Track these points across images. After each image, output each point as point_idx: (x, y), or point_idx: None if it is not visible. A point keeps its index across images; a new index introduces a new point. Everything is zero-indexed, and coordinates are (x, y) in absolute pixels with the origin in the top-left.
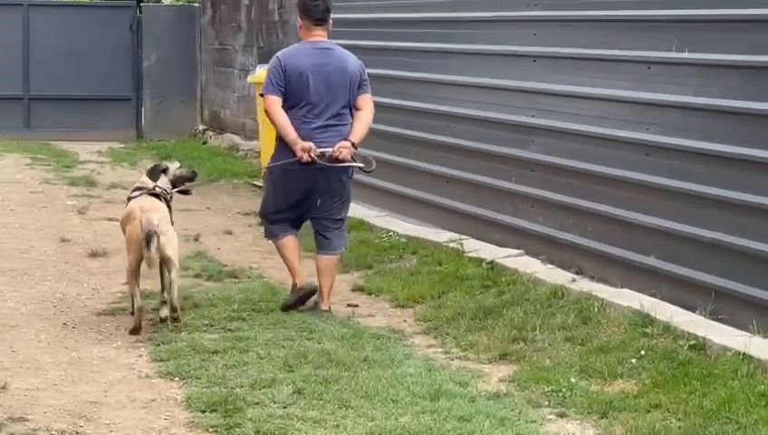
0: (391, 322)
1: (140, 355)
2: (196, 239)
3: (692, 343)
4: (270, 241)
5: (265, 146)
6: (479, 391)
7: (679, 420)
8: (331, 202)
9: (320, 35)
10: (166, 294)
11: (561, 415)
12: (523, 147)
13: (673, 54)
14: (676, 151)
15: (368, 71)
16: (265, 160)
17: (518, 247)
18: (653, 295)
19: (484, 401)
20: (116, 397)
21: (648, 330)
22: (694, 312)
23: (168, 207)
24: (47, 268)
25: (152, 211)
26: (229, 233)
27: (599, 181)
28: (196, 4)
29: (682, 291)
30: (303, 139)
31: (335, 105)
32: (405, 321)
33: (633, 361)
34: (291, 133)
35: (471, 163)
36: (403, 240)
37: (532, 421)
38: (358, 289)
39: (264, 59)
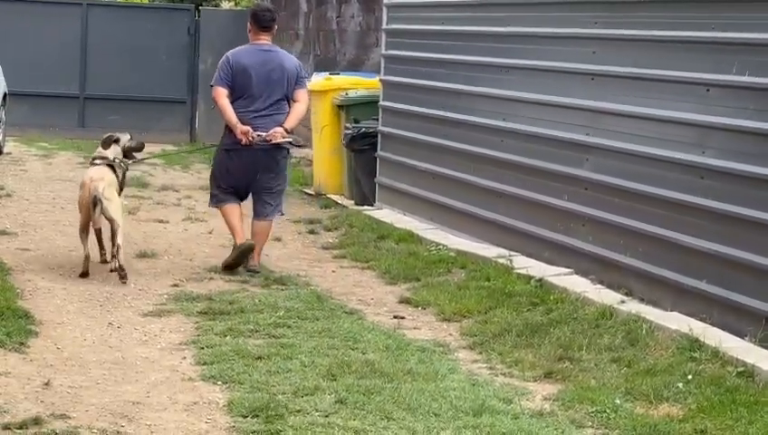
0: (437, 335)
1: (184, 358)
2: None
3: (740, 369)
4: (215, 208)
5: (318, 154)
6: (522, 408)
7: None
8: (268, 178)
9: (265, 39)
10: (115, 252)
11: None
12: (576, 165)
13: (733, 77)
14: (732, 175)
15: (423, 82)
16: (317, 168)
17: (568, 266)
18: (703, 320)
19: (527, 418)
20: (158, 398)
21: (696, 354)
22: (743, 338)
23: (124, 175)
24: (95, 267)
25: (99, 180)
26: (278, 240)
27: (651, 202)
28: None
29: (732, 317)
30: (244, 124)
31: (272, 97)
32: (450, 335)
33: (680, 385)
34: (232, 118)
35: (523, 179)
36: (452, 254)
37: None
38: (404, 301)
39: (320, 67)
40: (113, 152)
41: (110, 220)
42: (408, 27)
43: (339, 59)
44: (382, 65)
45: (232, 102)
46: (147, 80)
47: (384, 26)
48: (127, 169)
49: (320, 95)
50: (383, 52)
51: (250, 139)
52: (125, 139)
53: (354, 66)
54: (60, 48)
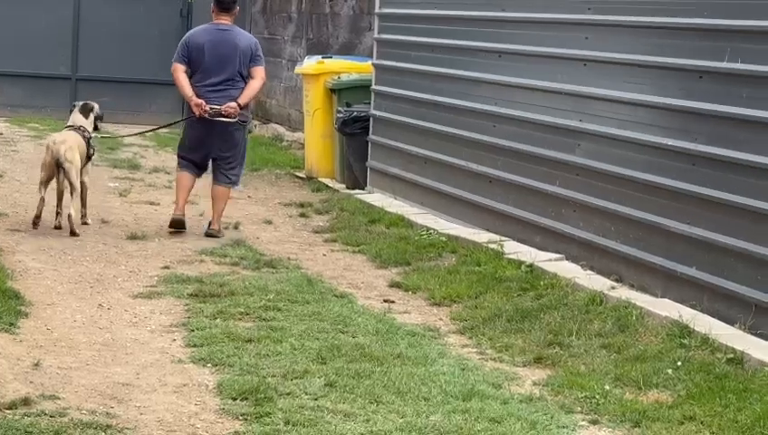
0: (427, 319)
1: (174, 340)
2: (236, 228)
3: (730, 356)
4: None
5: (310, 138)
6: (512, 393)
7: (713, 433)
8: (224, 148)
9: (224, 20)
10: (64, 209)
11: (594, 422)
12: (568, 151)
13: (725, 64)
14: (723, 162)
15: (415, 67)
16: (309, 151)
17: (558, 252)
18: (693, 307)
19: (516, 403)
20: (147, 380)
21: (685, 341)
22: (733, 325)
23: (88, 142)
24: (86, 249)
25: (61, 143)
26: (269, 223)
27: (643, 189)
28: None
29: (722, 304)
30: (200, 98)
31: (225, 73)
32: (440, 319)
33: (669, 371)
34: (187, 92)
35: (515, 165)
36: (443, 238)
37: (563, 427)
38: (395, 285)
39: (313, 50)
40: (89, 123)
41: (70, 183)
42: (401, 11)
43: (331, 42)
44: (375, 49)
45: (190, 78)
46: (139, 61)
47: (377, 10)
48: (92, 148)
49: (312, 79)
50: (376, 36)
51: (203, 111)
52: (96, 108)
53: (347, 50)
54: (52, 29)
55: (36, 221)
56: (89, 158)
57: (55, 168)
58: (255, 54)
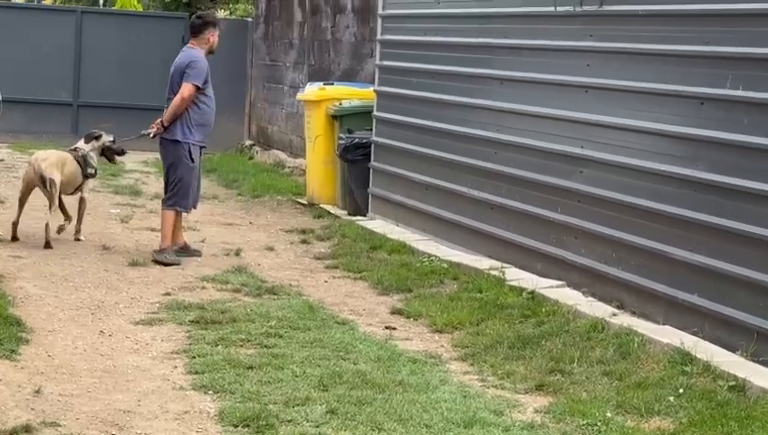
0: (428, 346)
1: (175, 367)
2: (237, 254)
3: (731, 383)
4: None
5: (311, 164)
6: (514, 420)
7: None
8: (165, 169)
9: (192, 43)
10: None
11: None
12: (570, 177)
13: (726, 91)
14: (725, 189)
15: (417, 93)
16: (311, 177)
17: (560, 279)
18: (694, 334)
19: (518, 430)
20: (149, 407)
21: (687, 368)
22: (735, 352)
23: (84, 162)
24: (87, 275)
25: (42, 160)
26: (271, 249)
27: (645, 216)
28: (249, 19)
29: (724, 331)
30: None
31: (169, 92)
32: (442, 346)
33: (671, 398)
34: None
35: (517, 191)
36: (444, 265)
37: None
38: (396, 312)
39: (314, 77)
40: (90, 147)
41: (49, 197)
42: (403, 38)
43: (333, 69)
44: (376, 76)
45: None
46: (140, 87)
47: (378, 37)
48: (90, 168)
49: (314, 105)
50: (377, 62)
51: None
52: (106, 138)
53: (348, 76)
54: (54, 55)
55: (14, 229)
56: (85, 177)
57: (41, 183)
58: (185, 71)
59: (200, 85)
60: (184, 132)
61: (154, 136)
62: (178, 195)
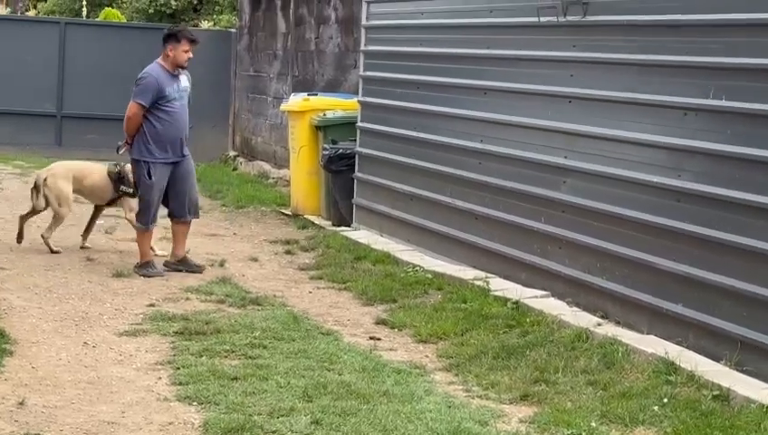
0: (413, 357)
1: (160, 378)
2: (222, 265)
3: (716, 393)
4: None
5: (296, 175)
6: (498, 430)
7: None
8: None
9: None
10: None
11: None
12: (554, 188)
13: (709, 102)
14: (708, 199)
15: (401, 104)
16: (295, 188)
17: (544, 289)
18: (679, 343)
19: None
20: (133, 418)
21: (671, 378)
22: (719, 362)
23: (114, 179)
24: (71, 286)
25: (46, 170)
26: (255, 260)
27: (628, 226)
28: (233, 30)
29: (708, 340)
30: None
31: None
32: (427, 356)
33: (655, 408)
34: None
35: (501, 201)
36: (429, 276)
37: None
38: (381, 322)
39: (298, 87)
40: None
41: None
42: (387, 49)
43: (317, 80)
44: (360, 86)
45: None
46: (124, 99)
47: (362, 47)
48: (126, 186)
49: (297, 116)
50: (361, 73)
51: None
52: (123, 169)
53: (332, 87)
54: (37, 66)
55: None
56: (119, 194)
57: (35, 191)
58: (133, 88)
59: (143, 103)
60: (140, 150)
61: (121, 151)
62: (140, 211)
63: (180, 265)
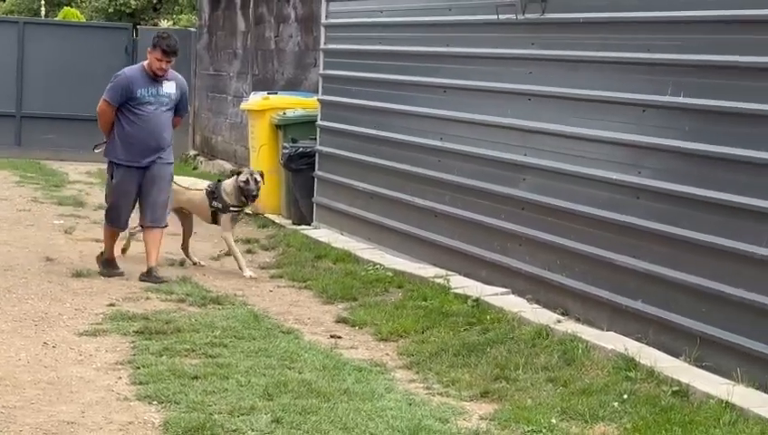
0: (374, 355)
1: (120, 377)
2: (182, 264)
3: (675, 389)
4: None
5: None
6: (459, 428)
7: None
8: None
9: None
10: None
11: None
12: (513, 185)
13: (668, 98)
14: (668, 196)
15: (361, 102)
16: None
17: (504, 286)
18: (638, 340)
19: None
20: (93, 418)
21: (631, 374)
22: (678, 358)
23: (209, 197)
24: (30, 286)
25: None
26: (215, 259)
27: (588, 223)
28: (193, 29)
29: (668, 336)
30: None
31: None
32: (387, 354)
33: (615, 404)
34: None
35: (460, 199)
36: (389, 274)
37: None
38: (341, 321)
39: (258, 86)
40: (229, 182)
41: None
42: (346, 47)
43: (277, 78)
44: (320, 85)
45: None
46: (84, 98)
47: (322, 46)
48: (217, 202)
49: (257, 115)
50: (321, 71)
51: None
52: (243, 177)
53: (292, 86)
54: None
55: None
56: (213, 211)
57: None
58: None
59: (109, 100)
60: (109, 149)
61: (97, 150)
62: (106, 210)
63: (146, 277)
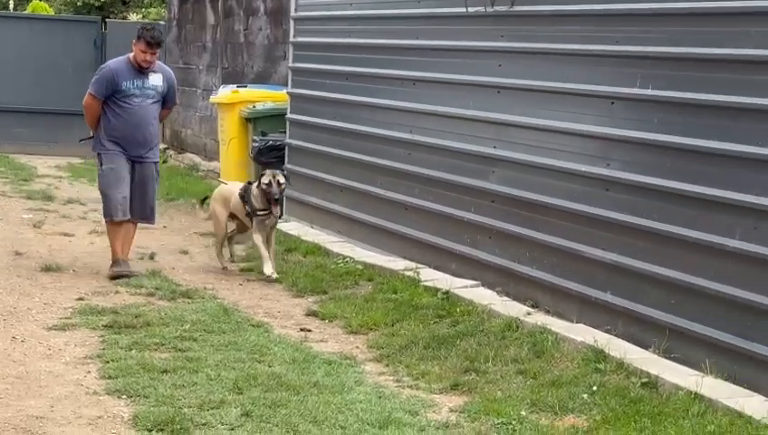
0: (343, 348)
1: (89, 371)
2: (152, 258)
3: (644, 380)
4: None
5: (225, 167)
6: (429, 420)
7: None
8: None
9: None
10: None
11: None
12: (483, 178)
13: (637, 90)
14: (636, 188)
15: (330, 95)
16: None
17: (474, 278)
18: (608, 332)
19: (433, 430)
20: (62, 413)
21: (600, 366)
22: (648, 349)
23: (243, 200)
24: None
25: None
26: (185, 253)
27: (558, 215)
28: (162, 23)
29: (637, 328)
30: None
31: None
32: (357, 347)
33: (585, 396)
34: None
35: (430, 192)
36: (359, 267)
37: None
38: (311, 314)
39: (228, 79)
40: (257, 184)
41: None
42: (316, 40)
43: (246, 72)
44: (290, 78)
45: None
46: (53, 92)
47: (291, 39)
48: (248, 204)
49: (227, 108)
50: (290, 64)
51: None
52: (266, 179)
53: (262, 79)
54: None
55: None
56: (247, 214)
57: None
58: None
59: (95, 94)
60: (95, 143)
61: (83, 141)
62: (103, 204)
63: (115, 265)
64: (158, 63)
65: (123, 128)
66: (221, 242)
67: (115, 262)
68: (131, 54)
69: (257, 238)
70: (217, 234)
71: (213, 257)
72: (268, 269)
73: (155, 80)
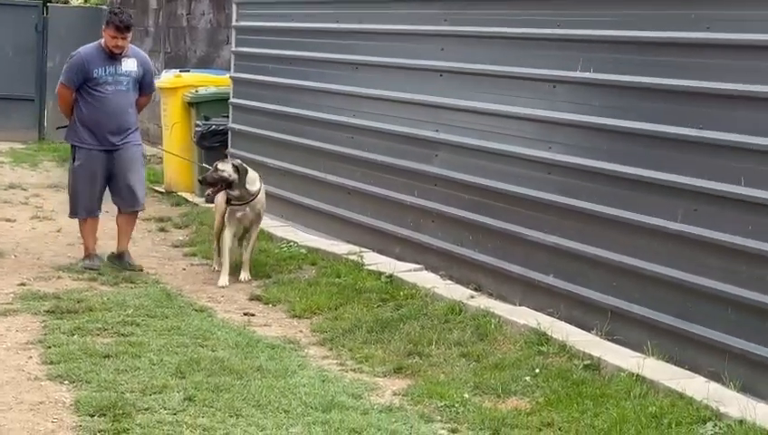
0: (287, 332)
1: (30, 357)
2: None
3: (587, 362)
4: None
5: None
6: (372, 403)
7: None
8: None
9: None
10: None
11: (454, 431)
12: (425, 161)
13: (578, 74)
14: (578, 171)
15: (273, 79)
16: (168, 165)
17: (418, 262)
18: (551, 314)
19: (376, 413)
20: (3, 398)
21: (543, 348)
22: (590, 332)
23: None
24: None
25: None
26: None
27: (500, 198)
28: (104, 7)
29: (579, 311)
30: None
31: None
32: (301, 331)
33: (527, 378)
34: None
35: (373, 176)
36: (303, 251)
37: None
38: (255, 298)
39: (171, 64)
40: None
41: None
42: (258, 24)
43: (189, 56)
44: (232, 62)
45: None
46: None
47: (234, 23)
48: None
49: (170, 92)
50: (233, 49)
51: None
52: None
53: (205, 63)
54: None
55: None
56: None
57: None
58: None
59: (66, 83)
60: (69, 133)
61: (59, 129)
62: (69, 200)
63: (116, 260)
64: (132, 48)
65: (97, 117)
66: (216, 236)
67: (87, 256)
68: (102, 40)
69: (225, 234)
70: (215, 225)
71: (156, 242)
72: (223, 281)
73: (128, 65)
